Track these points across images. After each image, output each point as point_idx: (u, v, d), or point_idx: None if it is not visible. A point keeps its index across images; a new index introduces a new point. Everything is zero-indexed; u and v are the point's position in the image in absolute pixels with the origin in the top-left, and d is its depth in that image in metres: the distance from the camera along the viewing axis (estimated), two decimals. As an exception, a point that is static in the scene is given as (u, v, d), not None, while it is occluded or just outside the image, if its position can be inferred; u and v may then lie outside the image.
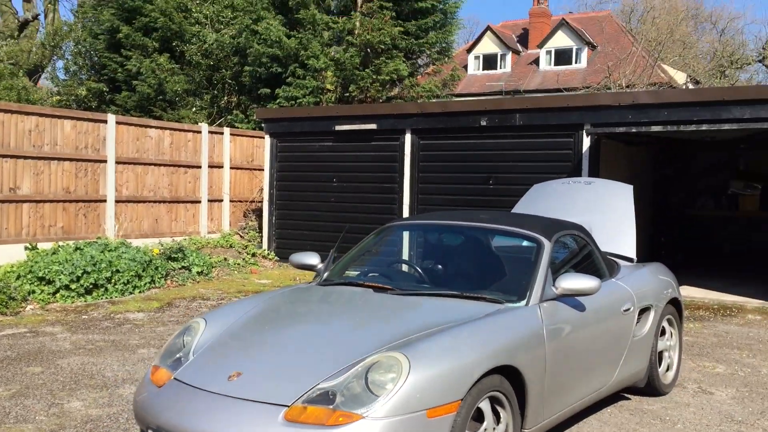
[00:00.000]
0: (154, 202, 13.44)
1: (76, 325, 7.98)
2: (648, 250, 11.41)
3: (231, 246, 13.61)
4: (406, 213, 12.02)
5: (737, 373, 6.28)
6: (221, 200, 14.74)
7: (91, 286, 9.56)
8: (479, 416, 3.57)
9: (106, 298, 9.61)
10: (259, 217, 14.91)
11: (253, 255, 13.35)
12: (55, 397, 5.38)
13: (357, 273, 4.91)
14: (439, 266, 4.80)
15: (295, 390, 3.33)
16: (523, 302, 4.13)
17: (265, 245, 13.76)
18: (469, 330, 3.67)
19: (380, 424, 3.13)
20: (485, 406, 3.58)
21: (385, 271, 4.96)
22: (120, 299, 9.58)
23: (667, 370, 5.61)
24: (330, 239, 12.60)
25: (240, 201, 15.18)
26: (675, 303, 5.69)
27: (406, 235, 5.40)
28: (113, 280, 9.83)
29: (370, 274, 4.83)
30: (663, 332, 5.53)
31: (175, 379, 3.71)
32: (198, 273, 11.34)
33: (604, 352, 4.67)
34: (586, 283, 4.19)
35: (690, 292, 10.13)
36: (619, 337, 4.84)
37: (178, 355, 3.91)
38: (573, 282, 4.19)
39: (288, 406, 3.26)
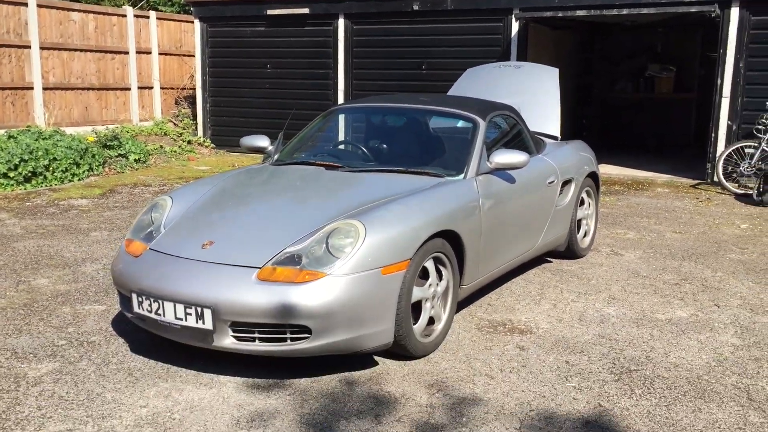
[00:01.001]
0: (83, 89, 13.26)
1: (22, 211, 8.13)
2: (571, 132, 12.06)
3: (165, 134, 13.65)
4: (341, 99, 12.28)
5: (645, 238, 7.04)
6: (151, 87, 14.60)
7: (29, 174, 9.62)
8: (425, 274, 4.09)
9: (46, 185, 9.70)
10: (192, 104, 14.87)
11: (189, 142, 13.45)
12: (20, 275, 5.68)
13: (307, 153, 5.28)
14: (384, 146, 5.20)
15: (265, 254, 3.76)
16: (461, 176, 4.61)
17: (200, 133, 13.84)
18: (415, 200, 4.14)
19: (342, 279, 3.61)
20: (430, 265, 4.10)
21: (333, 151, 5.34)
22: (60, 187, 9.69)
23: (585, 236, 6.29)
24: (265, 126, 12.78)
25: (171, 88, 15.06)
26: (593, 176, 6.30)
27: (351, 117, 5.74)
28: (51, 168, 9.89)
29: (320, 154, 5.21)
30: (582, 202, 6.16)
31: (150, 249, 4.08)
32: (135, 161, 11.45)
33: (531, 220, 5.25)
34: (516, 158, 4.68)
35: (607, 170, 10.89)
36: (544, 206, 5.42)
37: (149, 230, 4.27)
38: (504, 157, 4.67)
39: (260, 268, 3.70)
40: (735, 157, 9.38)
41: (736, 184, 9.30)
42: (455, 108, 5.17)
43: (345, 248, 3.70)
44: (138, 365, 4.03)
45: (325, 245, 3.73)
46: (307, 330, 3.61)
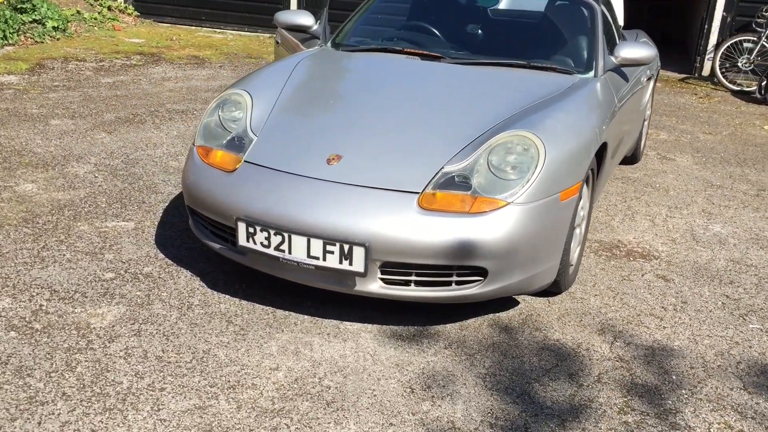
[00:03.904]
0: (-25, -62, 11.08)
1: (-55, 90, 6.66)
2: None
3: (79, -4, 11.77)
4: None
5: (680, 140, 6.61)
6: (54, -60, 12.46)
7: (-66, 43, 7.94)
8: (574, 195, 3.41)
9: (-44, 56, 8.08)
10: (105, -38, 12.88)
11: (109, 9, 11.67)
12: (-5, 179, 4.52)
13: (382, 38, 4.31)
14: (480, 31, 4.31)
15: (419, 175, 2.94)
16: (592, 73, 3.86)
17: (121, -3, 12.04)
18: (574, 105, 3.39)
19: (525, 209, 2.87)
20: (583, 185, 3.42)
21: (417, 36, 4.31)
22: (-26, 58, 8.09)
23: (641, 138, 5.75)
24: (202, -7, 11.29)
25: (78, -58, 12.93)
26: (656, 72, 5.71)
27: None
28: (-40, 35, 8.21)
29: (402, 40, 4.24)
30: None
31: (246, 162, 3.14)
32: (54, 28, 9.77)
33: (633, 122, 4.62)
34: (644, 53, 3.99)
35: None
36: (641, 106, 4.79)
37: (232, 135, 3.29)
38: (633, 51, 3.96)
39: (419, 193, 2.88)
40: (727, 52, 9.01)
41: (726, 80, 8.97)
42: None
43: (521, 168, 2.93)
44: (232, 309, 3.18)
45: (494, 164, 2.95)
46: (481, 272, 2.88)
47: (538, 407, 2.65)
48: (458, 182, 2.91)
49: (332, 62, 3.98)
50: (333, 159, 3.03)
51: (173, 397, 2.58)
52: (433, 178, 2.91)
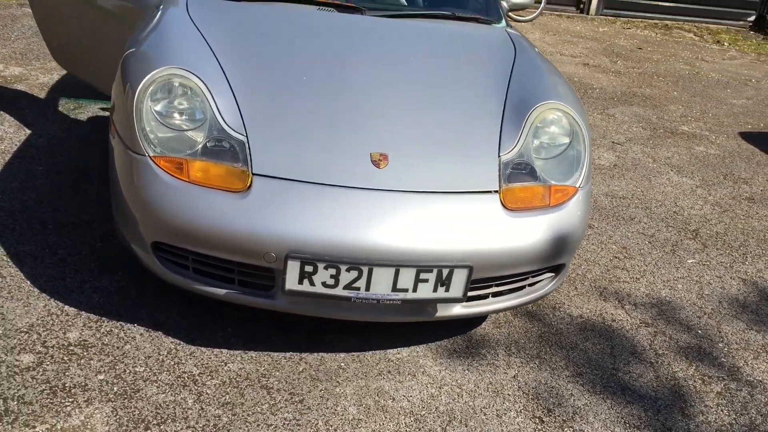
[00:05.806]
0: None
1: None
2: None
3: None
4: None
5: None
6: None
7: None
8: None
9: None
10: None
11: None
12: None
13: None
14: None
15: (483, 170, 2.46)
16: (504, 22, 3.61)
17: None
18: (547, 66, 3.12)
19: (586, 192, 2.63)
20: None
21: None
22: None
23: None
24: None
25: None
26: None
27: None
28: None
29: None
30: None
31: (257, 174, 2.28)
32: None
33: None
34: (528, -2, 3.90)
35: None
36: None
37: (203, 138, 2.35)
38: (518, -5, 3.86)
39: (498, 192, 2.43)
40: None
41: None
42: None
43: (566, 144, 2.66)
44: (250, 368, 2.40)
45: (545, 144, 2.63)
46: (555, 268, 2.60)
47: (649, 401, 2.55)
48: (519, 171, 2.53)
49: (244, 17, 3.02)
50: (380, 160, 2.38)
51: None
52: (498, 172, 2.47)
